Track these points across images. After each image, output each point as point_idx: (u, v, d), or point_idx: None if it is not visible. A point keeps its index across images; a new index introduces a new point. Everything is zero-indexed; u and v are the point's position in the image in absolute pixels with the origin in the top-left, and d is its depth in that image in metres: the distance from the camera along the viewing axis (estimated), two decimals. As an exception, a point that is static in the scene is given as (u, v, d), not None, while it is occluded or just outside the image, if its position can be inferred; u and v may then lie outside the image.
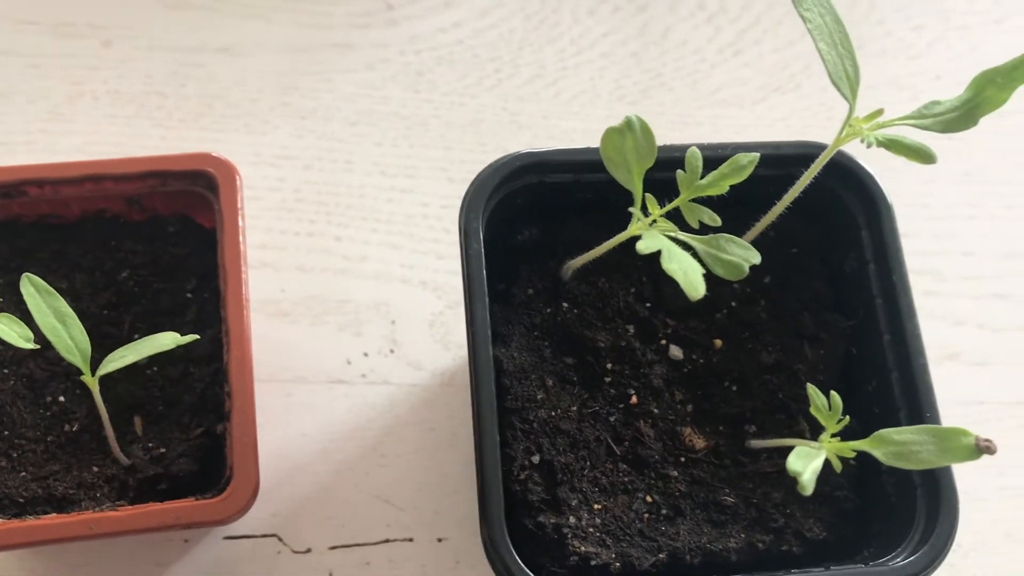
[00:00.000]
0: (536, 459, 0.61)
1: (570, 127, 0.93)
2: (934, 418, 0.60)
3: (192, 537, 0.76)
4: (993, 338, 0.88)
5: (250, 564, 0.76)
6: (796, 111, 0.96)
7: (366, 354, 0.83)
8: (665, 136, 0.63)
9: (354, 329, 0.84)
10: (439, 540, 0.78)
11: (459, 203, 0.88)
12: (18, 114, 0.88)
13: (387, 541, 0.78)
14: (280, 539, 0.77)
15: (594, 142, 0.91)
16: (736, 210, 0.64)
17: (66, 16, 0.92)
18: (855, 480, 0.64)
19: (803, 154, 0.63)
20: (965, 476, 0.82)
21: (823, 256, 0.69)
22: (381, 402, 0.82)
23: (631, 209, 0.54)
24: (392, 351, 0.83)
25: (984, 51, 1.01)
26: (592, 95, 0.95)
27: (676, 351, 0.65)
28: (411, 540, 0.78)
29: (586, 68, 0.96)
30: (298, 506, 0.78)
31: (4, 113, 0.88)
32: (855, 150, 0.66)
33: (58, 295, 0.56)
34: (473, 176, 0.89)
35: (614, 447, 0.62)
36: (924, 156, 0.52)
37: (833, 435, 0.53)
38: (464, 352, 0.84)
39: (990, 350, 0.88)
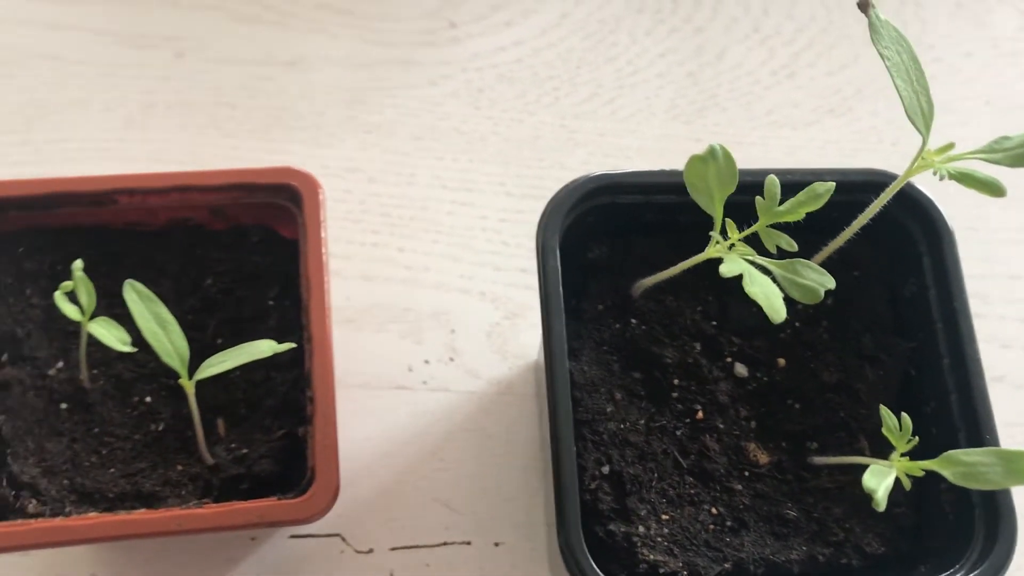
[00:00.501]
0: (606, 470, 0.64)
1: (625, 144, 0.96)
2: (994, 440, 0.62)
3: (259, 535, 0.79)
4: (1038, 361, 0.90)
5: (314, 562, 0.79)
6: (846, 135, 0.98)
7: (427, 361, 0.86)
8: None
9: (415, 337, 0.86)
10: (496, 544, 0.80)
11: (516, 216, 0.91)
12: (93, 121, 0.91)
13: (445, 544, 0.80)
14: (343, 539, 0.80)
15: (649, 159, 0.95)
16: (803, 234, 0.66)
17: (141, 28, 0.95)
18: (914, 497, 0.66)
19: (870, 182, 0.65)
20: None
21: (885, 280, 0.71)
22: (440, 408, 0.85)
23: (711, 233, 0.56)
24: (452, 359, 0.86)
25: (1025, 72, 1.03)
26: (648, 113, 0.97)
27: (741, 369, 0.68)
28: (469, 543, 0.80)
29: (642, 87, 0.98)
30: (361, 507, 0.81)
31: (80, 120, 0.91)
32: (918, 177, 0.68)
33: (159, 301, 0.59)
34: (531, 190, 0.93)
35: (681, 460, 0.65)
36: (994, 190, 0.54)
37: (902, 455, 0.55)
38: (520, 362, 0.86)
39: (1035, 373, 0.90)
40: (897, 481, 0.64)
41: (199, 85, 0.94)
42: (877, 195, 0.63)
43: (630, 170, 0.67)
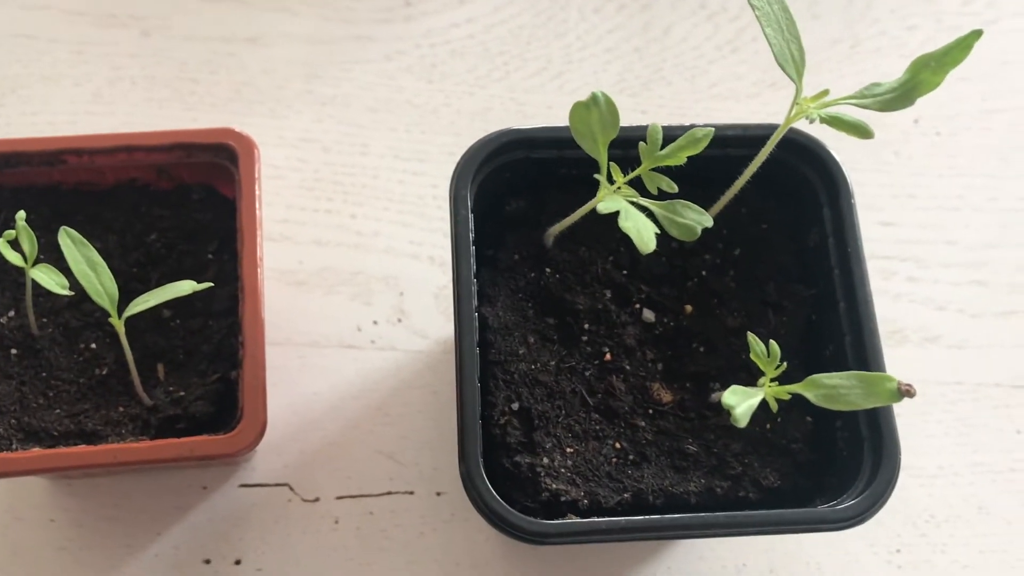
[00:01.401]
0: (515, 406, 0.67)
1: (573, 117, 0.99)
2: (879, 376, 0.65)
3: (211, 484, 0.83)
4: (971, 323, 0.93)
5: (263, 510, 0.83)
6: (787, 106, 1.00)
7: (375, 322, 0.90)
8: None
9: (365, 299, 0.90)
10: (437, 494, 0.84)
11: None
12: (64, 96, 0.96)
13: (389, 493, 0.84)
14: (291, 488, 0.84)
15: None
16: (714, 189, 0.70)
17: (110, 8, 1.00)
18: (810, 436, 0.69)
19: (770, 135, 0.69)
20: (942, 452, 0.87)
21: (790, 232, 0.74)
22: (388, 366, 0.88)
23: (596, 176, 0.60)
24: (400, 320, 0.90)
25: (975, 51, 1.05)
26: (595, 87, 1.00)
27: (649, 314, 0.71)
28: (411, 493, 0.84)
29: (590, 62, 1.02)
30: (308, 458, 0.85)
31: (51, 95, 0.96)
32: (841, 138, 0.71)
33: (90, 246, 0.64)
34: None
35: (588, 398, 0.68)
36: (861, 132, 0.57)
37: (773, 380, 0.58)
38: (466, 323, 0.90)
39: (968, 334, 0.92)
40: (796, 419, 0.68)
41: (164, 61, 0.98)
42: (782, 149, 0.67)
43: (540, 125, 0.70)
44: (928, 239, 0.96)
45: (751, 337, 0.58)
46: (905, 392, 0.53)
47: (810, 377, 0.56)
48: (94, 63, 0.98)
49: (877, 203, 0.97)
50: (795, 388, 0.56)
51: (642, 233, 0.54)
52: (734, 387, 0.54)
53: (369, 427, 0.86)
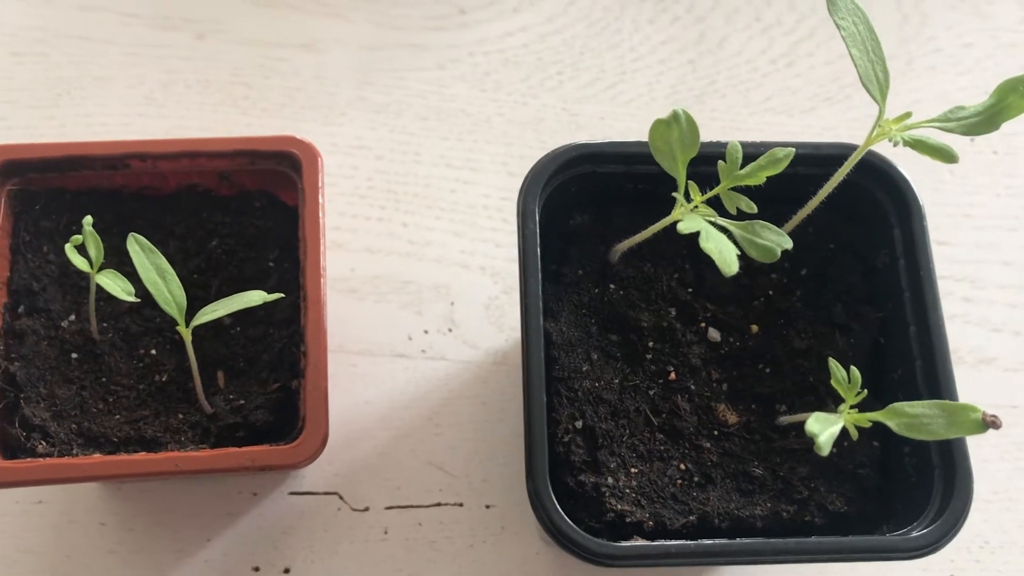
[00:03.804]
0: (579, 424, 0.67)
1: (626, 127, 0.98)
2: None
3: (261, 491, 0.83)
4: (1027, 345, 0.92)
5: (312, 518, 0.83)
6: (844, 121, 1.00)
7: (426, 332, 0.89)
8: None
9: (416, 308, 0.90)
10: (487, 507, 0.84)
11: (517, 195, 0.95)
12: (117, 98, 0.96)
13: (439, 505, 0.84)
14: (341, 497, 0.83)
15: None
16: (780, 206, 0.69)
17: (164, 11, 1.00)
18: (878, 461, 0.68)
19: (842, 155, 0.68)
20: (997, 477, 0.86)
21: (858, 252, 0.73)
22: (438, 376, 0.88)
23: (674, 195, 0.59)
24: (450, 330, 0.89)
25: (1032, 69, 1.04)
26: (648, 99, 1.00)
27: (714, 333, 0.71)
28: (461, 505, 0.84)
29: (644, 73, 1.01)
30: (358, 467, 0.84)
31: (105, 96, 0.96)
32: (892, 152, 0.71)
33: (159, 253, 0.64)
34: (533, 169, 0.96)
35: (652, 418, 0.68)
36: (946, 156, 0.56)
37: (852, 407, 0.57)
38: (516, 334, 0.90)
39: (1024, 356, 0.91)
40: (863, 444, 0.67)
41: (217, 65, 0.98)
42: (852, 169, 0.66)
43: (610, 140, 0.70)
44: (983, 259, 0.95)
45: (832, 363, 0.57)
46: (990, 423, 0.52)
47: (891, 406, 0.55)
48: (148, 65, 0.98)
49: (931, 222, 0.94)
50: (876, 416, 0.55)
51: (724, 255, 0.53)
52: (817, 414, 0.54)
53: (419, 437, 0.86)
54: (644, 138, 0.96)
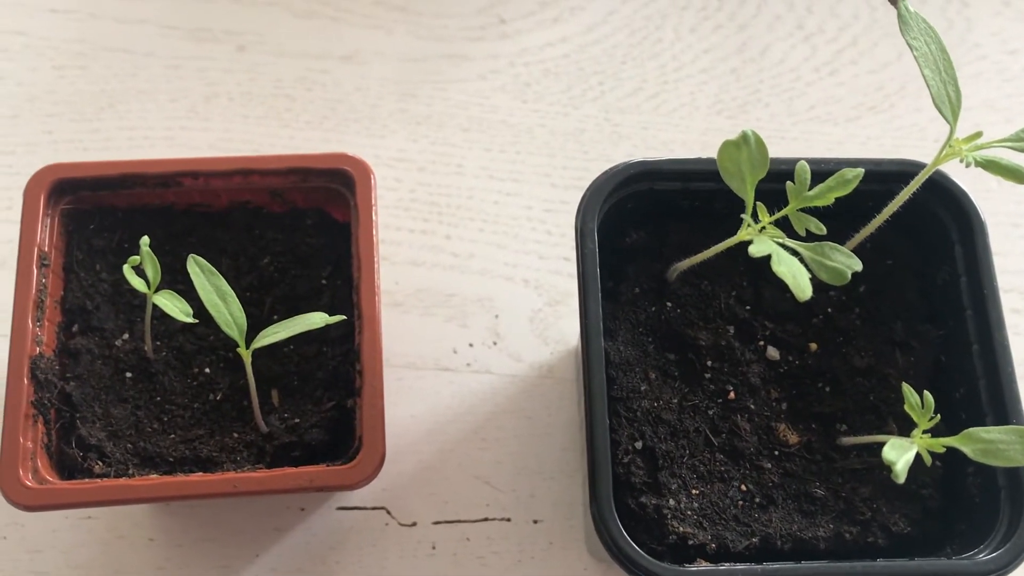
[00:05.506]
0: (639, 445, 0.66)
1: (669, 138, 0.98)
2: (1020, 423, 0.63)
3: (308, 506, 0.83)
4: (1078, 357, 0.91)
5: (360, 534, 0.82)
6: (888, 131, 0.99)
7: (471, 345, 0.89)
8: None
9: (460, 321, 0.90)
10: (535, 522, 0.83)
11: (561, 207, 0.94)
12: (159, 111, 0.96)
13: (486, 520, 0.83)
14: (388, 512, 0.83)
15: (692, 153, 0.97)
16: (836, 222, 0.68)
17: (205, 23, 1.00)
18: (940, 480, 0.67)
19: (902, 171, 0.67)
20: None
21: (917, 269, 0.73)
22: (483, 390, 0.88)
23: (743, 216, 0.59)
24: (495, 343, 0.89)
25: (1078, 75, 1.03)
26: (691, 108, 0.99)
27: (773, 352, 0.70)
28: (508, 520, 0.83)
29: (686, 83, 1.00)
30: (406, 482, 0.84)
31: (147, 110, 0.96)
32: (950, 168, 0.70)
33: (219, 275, 0.63)
34: (575, 181, 0.95)
35: (712, 438, 0.67)
36: (1019, 177, 0.56)
37: (924, 432, 0.57)
38: (561, 347, 0.89)
39: (1074, 369, 0.90)
40: (924, 464, 0.66)
41: (259, 77, 0.98)
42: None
43: (668, 157, 0.69)
44: (1033, 270, 0.94)
45: (906, 387, 0.56)
46: (1069, 450, 0.52)
47: (966, 431, 0.55)
48: (190, 78, 0.97)
49: (981, 233, 0.95)
50: (951, 442, 0.55)
51: (799, 279, 0.53)
52: (893, 441, 0.53)
53: (465, 451, 0.85)
54: (690, 153, 0.97)
